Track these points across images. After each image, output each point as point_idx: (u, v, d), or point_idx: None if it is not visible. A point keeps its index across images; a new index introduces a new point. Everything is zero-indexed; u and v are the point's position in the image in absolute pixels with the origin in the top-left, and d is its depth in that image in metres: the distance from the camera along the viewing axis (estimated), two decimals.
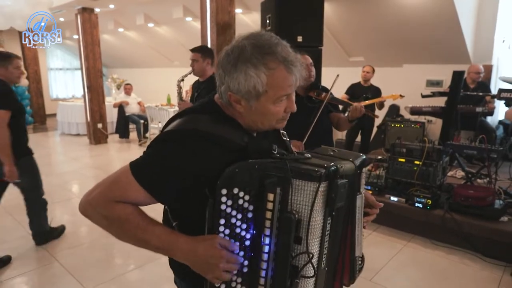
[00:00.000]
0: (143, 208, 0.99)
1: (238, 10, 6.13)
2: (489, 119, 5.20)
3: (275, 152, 0.97)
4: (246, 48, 0.95)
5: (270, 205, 0.92)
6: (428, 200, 3.33)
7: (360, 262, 1.17)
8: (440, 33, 4.95)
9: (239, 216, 0.93)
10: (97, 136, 7.89)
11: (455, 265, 2.98)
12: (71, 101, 9.56)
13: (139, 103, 8.43)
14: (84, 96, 7.90)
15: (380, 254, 3.15)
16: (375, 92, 5.15)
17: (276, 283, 0.95)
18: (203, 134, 0.95)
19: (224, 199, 0.90)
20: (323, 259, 0.98)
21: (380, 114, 5.93)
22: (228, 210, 0.91)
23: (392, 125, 5.04)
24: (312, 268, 0.93)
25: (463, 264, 2.99)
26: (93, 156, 7.07)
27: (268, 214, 0.92)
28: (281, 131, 1.20)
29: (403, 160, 3.68)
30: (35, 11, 6.87)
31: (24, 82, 9.55)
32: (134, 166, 0.95)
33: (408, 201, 3.46)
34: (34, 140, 8.67)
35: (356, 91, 5.09)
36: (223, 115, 1.04)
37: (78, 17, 7.42)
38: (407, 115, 5.51)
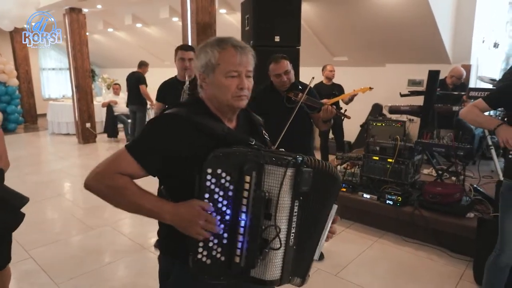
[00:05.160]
0: None
1: (222, 11, 6.20)
2: None
3: (253, 143, 1.18)
4: (209, 40, 1.24)
5: (247, 186, 1.07)
6: (399, 197, 3.39)
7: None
8: (418, 33, 5.02)
9: (221, 193, 1.09)
10: (86, 136, 7.93)
11: (422, 261, 3.04)
12: (61, 101, 9.60)
13: None
14: (72, 96, 7.94)
15: (349, 250, 3.21)
16: (339, 88, 5.31)
17: (249, 254, 1.09)
18: (187, 119, 1.17)
19: (209, 177, 1.08)
20: (291, 237, 1.12)
21: (363, 113, 6.01)
22: (212, 187, 1.09)
23: (374, 124, 5.09)
24: (279, 241, 1.08)
25: (429, 259, 3.05)
26: (81, 156, 7.11)
27: (245, 194, 1.08)
28: (263, 131, 1.41)
29: (377, 158, 3.74)
30: (23, 11, 6.89)
31: (13, 81, 9.58)
32: (129, 144, 1.19)
33: (380, 198, 3.52)
34: (24, 140, 8.73)
35: (323, 91, 5.15)
36: (206, 109, 1.25)
37: (66, 17, 7.47)
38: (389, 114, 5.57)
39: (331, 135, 5.77)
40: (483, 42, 5.55)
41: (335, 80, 5.43)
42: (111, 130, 8.30)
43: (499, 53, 6.03)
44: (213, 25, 4.69)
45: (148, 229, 3.59)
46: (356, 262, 3.02)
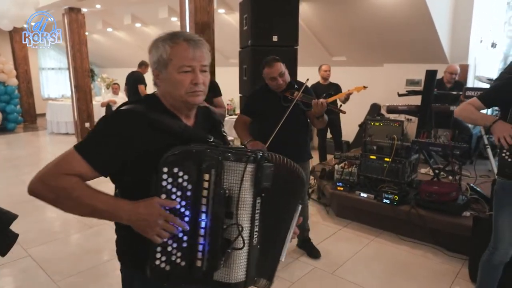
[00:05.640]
0: None
1: (220, 10, 6.22)
2: None
3: (211, 141, 1.12)
4: (161, 34, 1.18)
5: (206, 184, 1.02)
6: (395, 196, 3.41)
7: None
8: (415, 33, 5.04)
9: (179, 193, 1.02)
10: (85, 135, 7.94)
11: (417, 259, 3.05)
12: (60, 101, 9.61)
13: None
14: (71, 95, 7.96)
15: (346, 248, 3.22)
16: (336, 88, 5.30)
17: (211, 256, 1.02)
18: (140, 115, 1.09)
19: (165, 176, 1.01)
20: (255, 236, 1.07)
21: (362, 113, 6.03)
22: (169, 187, 1.01)
23: (372, 123, 5.11)
24: (242, 240, 1.02)
25: (425, 257, 3.07)
26: None
27: (205, 193, 1.02)
28: (223, 129, 1.34)
29: (374, 157, 3.76)
30: (21, 11, 6.92)
31: (13, 81, 9.59)
32: (78, 144, 1.09)
33: (377, 197, 3.54)
34: (24, 139, 8.74)
35: (319, 91, 5.18)
36: (161, 105, 1.19)
37: (65, 17, 7.48)
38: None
39: (329, 135, 5.80)
40: (481, 42, 5.57)
41: (333, 80, 5.45)
42: None
43: (497, 53, 6.03)
44: (211, 25, 4.70)
45: None
46: (353, 260, 3.04)
